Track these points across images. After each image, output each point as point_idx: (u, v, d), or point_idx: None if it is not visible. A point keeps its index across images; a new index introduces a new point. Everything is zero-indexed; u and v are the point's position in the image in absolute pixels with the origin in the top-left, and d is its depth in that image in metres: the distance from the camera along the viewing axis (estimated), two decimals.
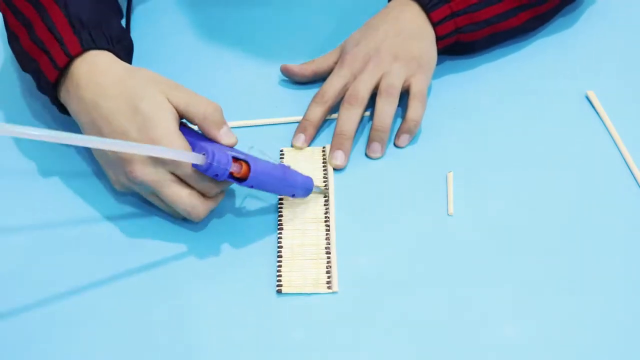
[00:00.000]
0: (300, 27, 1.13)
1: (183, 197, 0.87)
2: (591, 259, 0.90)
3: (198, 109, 0.87)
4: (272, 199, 0.95)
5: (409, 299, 0.87)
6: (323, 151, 0.99)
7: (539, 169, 0.97)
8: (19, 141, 1.00)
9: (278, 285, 0.88)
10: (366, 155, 0.98)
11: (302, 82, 1.05)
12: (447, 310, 0.86)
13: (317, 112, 0.99)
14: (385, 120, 0.98)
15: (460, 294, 0.88)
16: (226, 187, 0.89)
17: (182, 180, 0.87)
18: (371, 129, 0.98)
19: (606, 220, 0.93)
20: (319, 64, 1.05)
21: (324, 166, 0.98)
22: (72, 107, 0.90)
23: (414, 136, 0.99)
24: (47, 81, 0.89)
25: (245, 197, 0.95)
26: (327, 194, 0.94)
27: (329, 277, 0.88)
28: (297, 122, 1.01)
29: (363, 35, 1.03)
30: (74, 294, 0.88)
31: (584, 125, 1.02)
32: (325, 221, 0.93)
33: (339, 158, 0.97)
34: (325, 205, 0.94)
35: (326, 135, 1.01)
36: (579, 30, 1.11)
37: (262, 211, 0.94)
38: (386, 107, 0.98)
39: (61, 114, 0.95)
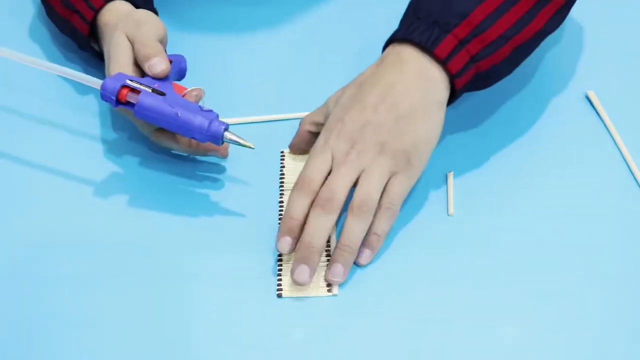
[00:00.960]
0: (300, 26, 1.13)
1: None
2: (591, 259, 0.90)
3: (139, 46, 0.94)
4: (273, 200, 0.95)
5: (408, 301, 0.87)
6: None
7: (538, 169, 0.97)
8: (18, 142, 1.00)
9: (278, 289, 0.88)
10: (325, 278, 0.87)
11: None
12: (446, 310, 0.86)
13: (304, 206, 0.87)
14: (354, 240, 0.86)
15: (459, 294, 0.88)
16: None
17: None
18: (336, 246, 0.87)
19: (606, 221, 0.93)
20: (308, 121, 0.95)
21: None
22: (101, 45, 1.01)
23: (376, 252, 0.88)
24: (81, 35, 1.02)
25: (246, 199, 0.95)
26: (250, 147, 0.90)
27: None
28: (300, 118, 0.98)
29: (351, 102, 0.90)
30: (73, 296, 0.88)
31: (584, 125, 1.02)
32: None
33: (301, 275, 0.86)
34: None
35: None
36: (579, 30, 1.11)
37: (262, 213, 0.94)
38: (356, 226, 0.86)
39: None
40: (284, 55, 1.09)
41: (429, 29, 0.89)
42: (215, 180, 0.97)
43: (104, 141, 1.01)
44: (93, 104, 1.04)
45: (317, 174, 0.88)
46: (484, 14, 0.89)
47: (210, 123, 0.90)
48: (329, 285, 0.88)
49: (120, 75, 0.92)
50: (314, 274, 0.87)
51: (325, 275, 0.87)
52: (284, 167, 0.98)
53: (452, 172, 0.96)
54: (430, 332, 0.85)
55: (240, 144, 0.90)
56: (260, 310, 0.87)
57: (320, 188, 0.87)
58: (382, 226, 0.88)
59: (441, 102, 0.90)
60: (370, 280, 0.89)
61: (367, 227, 0.87)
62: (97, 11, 1.00)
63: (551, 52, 1.09)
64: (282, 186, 0.96)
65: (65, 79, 1.01)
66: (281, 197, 0.95)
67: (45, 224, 0.93)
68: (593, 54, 1.09)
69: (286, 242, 0.87)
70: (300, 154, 0.97)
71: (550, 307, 0.87)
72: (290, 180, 0.96)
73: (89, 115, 1.03)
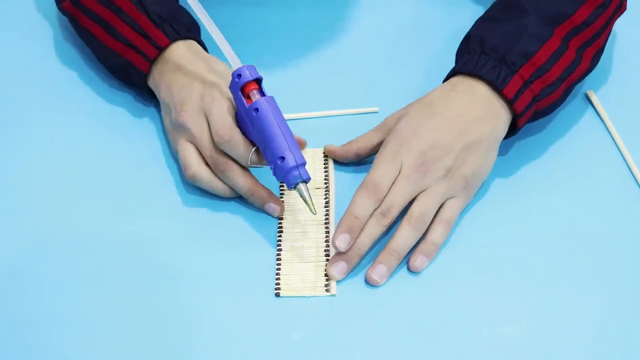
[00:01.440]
0: (302, 24, 1.13)
1: (191, 158, 0.93)
2: (591, 259, 0.90)
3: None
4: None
5: (408, 301, 0.87)
6: (325, 155, 1.00)
7: (538, 169, 0.97)
8: (18, 141, 1.01)
9: (276, 288, 0.88)
10: (366, 278, 0.88)
11: (344, 163, 0.98)
12: (446, 311, 0.86)
13: (369, 209, 0.89)
14: (404, 247, 0.89)
15: (459, 294, 0.88)
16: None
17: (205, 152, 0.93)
18: (385, 249, 0.89)
19: (606, 221, 0.93)
20: (362, 144, 0.97)
21: (325, 168, 0.98)
22: (156, 84, 0.98)
23: (431, 260, 0.90)
24: (139, 72, 0.98)
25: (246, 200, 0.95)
26: (313, 210, 0.89)
27: (327, 280, 0.88)
28: (310, 117, 1.00)
29: (424, 118, 0.92)
30: (73, 296, 0.88)
31: (584, 125, 1.02)
32: (326, 224, 0.93)
33: (338, 270, 0.89)
34: (325, 207, 0.94)
35: (327, 136, 1.01)
36: None
37: (262, 213, 0.94)
38: (408, 236, 0.89)
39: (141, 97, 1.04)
40: (289, 56, 1.09)
41: (496, 66, 0.92)
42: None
43: (104, 141, 1.01)
44: (93, 104, 1.04)
45: (386, 182, 0.90)
46: (546, 56, 0.93)
47: (298, 166, 0.88)
48: (327, 285, 0.88)
49: (253, 70, 0.90)
50: (347, 273, 0.88)
51: (368, 273, 0.88)
52: None
53: None
54: (430, 332, 0.85)
55: (305, 202, 0.89)
56: (259, 310, 0.87)
57: (385, 196, 0.90)
58: (439, 237, 0.90)
59: (501, 139, 0.94)
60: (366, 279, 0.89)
61: (417, 239, 0.89)
62: (161, 50, 0.97)
63: None
64: (282, 186, 0.97)
65: (66, 78, 1.01)
66: (281, 190, 0.96)
67: (45, 224, 0.93)
68: None
69: (345, 240, 0.88)
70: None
71: (550, 306, 0.87)
72: None
73: (89, 115, 1.03)
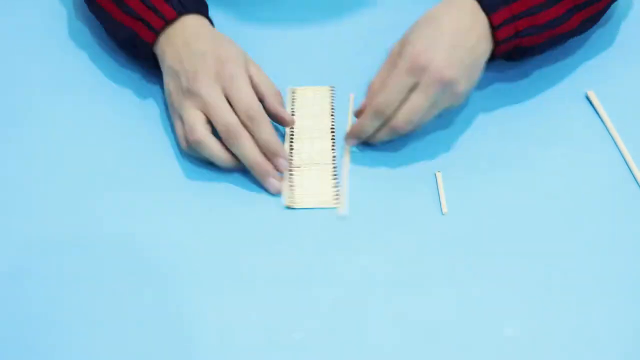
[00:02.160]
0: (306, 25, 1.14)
1: (199, 122, 0.95)
2: (591, 259, 0.90)
3: (266, 85, 0.99)
4: (275, 204, 0.95)
5: (407, 300, 0.87)
6: (332, 90, 1.04)
7: (538, 169, 0.98)
8: (18, 141, 1.01)
9: (289, 201, 0.94)
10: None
11: None
12: (445, 311, 0.87)
13: (375, 125, 0.97)
14: (415, 115, 0.96)
15: (458, 294, 0.88)
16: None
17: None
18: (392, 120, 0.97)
19: (606, 221, 0.93)
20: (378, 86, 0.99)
21: (332, 109, 1.02)
22: (163, 50, 1.01)
23: (356, 141, 0.99)
24: (145, 43, 1.01)
25: (248, 198, 0.95)
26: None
27: (337, 193, 0.94)
28: None
29: (425, 32, 0.98)
30: (73, 295, 0.88)
31: (584, 125, 1.02)
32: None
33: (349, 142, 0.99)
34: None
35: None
36: None
37: (264, 212, 0.94)
38: (386, 136, 0.97)
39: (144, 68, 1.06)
40: (290, 55, 1.09)
41: None
42: (216, 177, 0.97)
43: (104, 141, 1.01)
44: (93, 104, 1.04)
45: (393, 102, 0.95)
46: (538, 2, 1.00)
47: None
48: (336, 198, 0.94)
49: None
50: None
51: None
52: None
53: (440, 172, 0.96)
54: (428, 333, 0.85)
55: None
56: (259, 309, 0.87)
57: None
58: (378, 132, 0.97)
59: (486, 50, 0.99)
60: (368, 281, 0.89)
61: (430, 108, 0.95)
62: (168, 22, 1.01)
63: (551, 52, 1.09)
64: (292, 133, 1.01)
65: (65, 79, 1.01)
66: (291, 144, 0.99)
67: (45, 224, 0.93)
68: (593, 54, 1.09)
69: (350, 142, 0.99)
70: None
71: (550, 306, 0.87)
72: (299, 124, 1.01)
73: (88, 115, 1.03)
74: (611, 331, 0.85)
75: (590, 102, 1.04)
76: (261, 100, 0.97)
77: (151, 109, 1.03)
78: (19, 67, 1.08)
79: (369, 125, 0.97)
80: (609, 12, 1.10)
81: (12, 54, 1.10)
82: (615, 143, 1.00)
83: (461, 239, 0.91)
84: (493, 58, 1.00)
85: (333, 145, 0.99)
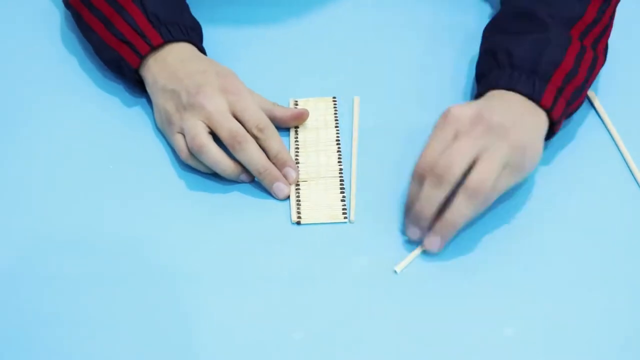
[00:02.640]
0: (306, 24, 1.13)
1: (200, 130, 0.94)
2: (591, 259, 0.90)
3: (265, 100, 0.98)
4: (276, 204, 0.95)
5: (406, 301, 0.87)
6: (334, 101, 1.03)
7: (538, 169, 0.97)
8: (18, 141, 1.01)
9: (298, 216, 0.93)
10: (422, 246, 0.90)
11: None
12: (445, 311, 0.87)
13: (439, 199, 0.88)
14: (458, 220, 0.88)
15: (458, 294, 0.88)
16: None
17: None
18: (439, 219, 0.88)
19: (606, 221, 0.93)
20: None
21: (336, 120, 1.01)
22: (153, 73, 1.00)
23: (446, 241, 0.89)
24: (129, 67, 1.01)
25: (250, 194, 0.95)
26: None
27: (344, 207, 0.93)
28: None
29: (467, 103, 0.93)
30: (73, 295, 0.88)
31: (584, 125, 1.02)
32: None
33: (411, 233, 0.90)
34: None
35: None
36: None
37: (264, 212, 0.94)
38: (464, 208, 0.87)
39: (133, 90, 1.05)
40: (290, 53, 1.09)
41: (529, 78, 0.93)
42: (218, 181, 0.97)
43: (104, 141, 1.01)
44: (92, 104, 1.04)
45: (432, 159, 0.89)
46: (572, 60, 0.95)
47: None
48: (344, 213, 0.93)
49: None
50: (423, 234, 0.89)
51: (423, 244, 0.89)
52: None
53: None
54: (430, 333, 0.85)
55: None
56: (259, 309, 0.87)
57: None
58: (460, 211, 0.88)
59: (543, 137, 0.93)
60: (368, 281, 0.89)
61: (474, 214, 0.88)
62: (153, 48, 1.00)
63: None
64: (297, 139, 1.00)
65: (66, 79, 1.01)
66: (297, 157, 0.98)
67: (45, 224, 0.93)
68: None
69: (413, 232, 0.90)
70: None
71: (550, 307, 0.87)
72: (302, 137, 1.00)
73: (88, 115, 1.03)
74: (611, 331, 0.85)
75: (591, 102, 1.04)
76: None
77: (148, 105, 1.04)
78: (18, 67, 1.08)
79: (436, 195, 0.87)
80: None
81: (12, 54, 1.10)
82: (615, 143, 1.00)
83: (461, 239, 0.91)
84: (548, 139, 0.95)
85: (339, 158, 0.98)
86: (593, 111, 1.03)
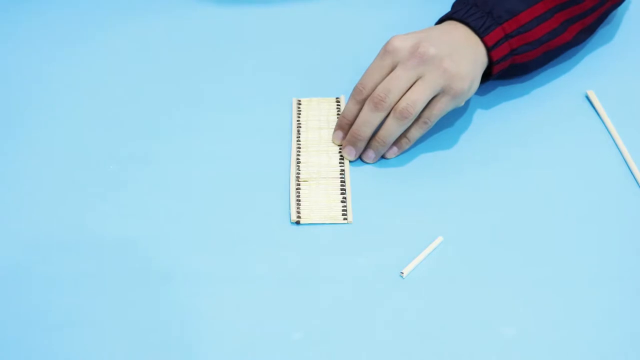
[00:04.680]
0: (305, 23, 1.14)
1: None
2: (591, 259, 0.90)
3: None
4: (281, 197, 0.95)
5: (406, 301, 0.87)
6: (337, 102, 1.03)
7: (538, 169, 0.98)
8: (18, 141, 1.01)
9: (297, 216, 0.93)
10: (361, 157, 0.99)
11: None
12: (445, 312, 0.87)
13: (355, 110, 0.98)
14: (388, 138, 0.97)
15: (458, 294, 0.88)
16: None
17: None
18: (373, 138, 0.98)
19: (606, 221, 0.93)
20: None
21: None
22: None
23: (380, 155, 0.99)
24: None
25: (252, 194, 0.95)
26: None
27: (344, 208, 0.94)
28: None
29: (412, 33, 1.00)
30: (73, 296, 0.88)
31: (584, 125, 1.02)
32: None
33: (348, 153, 0.99)
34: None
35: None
36: None
37: (266, 210, 0.95)
38: (393, 127, 0.96)
39: None
40: (295, 53, 1.09)
41: (483, 17, 1.00)
42: (216, 177, 0.97)
43: (104, 141, 1.01)
44: (92, 104, 1.04)
45: (371, 83, 0.97)
46: (530, 17, 1.01)
47: None
48: (344, 214, 0.93)
49: None
50: (358, 155, 0.99)
51: (361, 156, 0.99)
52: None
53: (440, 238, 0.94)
54: (430, 332, 0.85)
55: None
56: (259, 309, 0.87)
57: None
58: (414, 134, 0.98)
59: (481, 72, 1.00)
60: (368, 281, 0.89)
61: (401, 131, 0.97)
62: None
63: None
64: (299, 138, 1.01)
65: (66, 78, 1.01)
66: (298, 157, 0.99)
67: (45, 224, 0.93)
68: (593, 54, 1.09)
69: (337, 135, 1.00)
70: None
71: (550, 307, 0.87)
72: (305, 137, 1.01)
73: (88, 115, 1.03)
74: (611, 331, 0.85)
75: (591, 102, 1.04)
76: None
77: (153, 109, 1.03)
78: (19, 67, 1.08)
79: (373, 117, 0.97)
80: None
81: (11, 53, 1.10)
82: (615, 143, 1.00)
83: (461, 239, 0.91)
84: (487, 79, 1.02)
85: (341, 159, 0.99)
86: (593, 111, 1.03)
